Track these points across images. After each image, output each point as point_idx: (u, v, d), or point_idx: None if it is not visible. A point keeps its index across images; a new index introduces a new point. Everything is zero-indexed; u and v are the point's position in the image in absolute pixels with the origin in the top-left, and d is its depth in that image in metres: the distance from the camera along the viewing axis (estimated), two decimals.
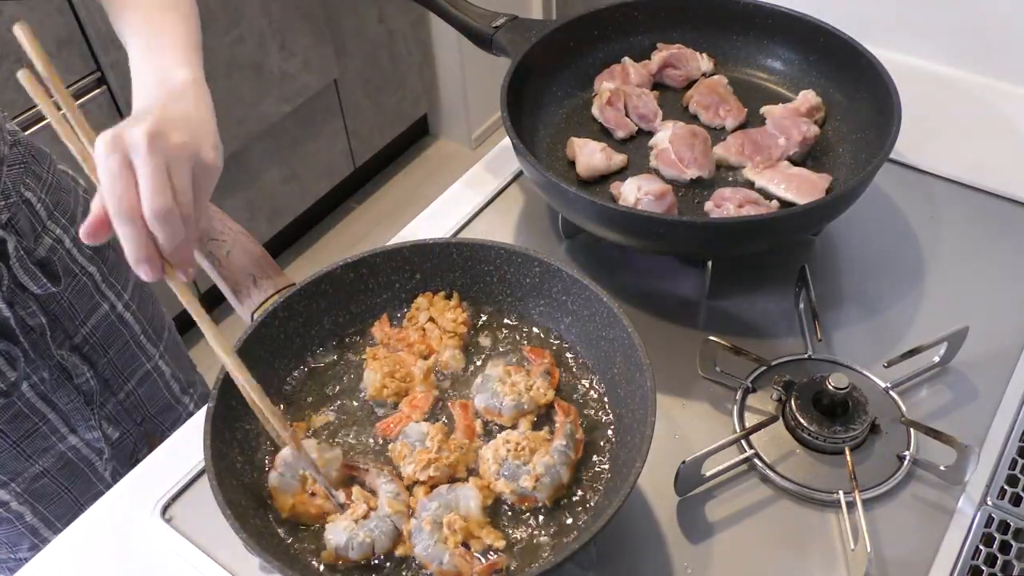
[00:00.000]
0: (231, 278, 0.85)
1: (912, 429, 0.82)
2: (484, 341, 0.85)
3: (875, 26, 1.22)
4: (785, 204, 0.97)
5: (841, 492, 0.78)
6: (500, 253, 0.85)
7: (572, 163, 1.04)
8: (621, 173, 1.03)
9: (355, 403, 0.81)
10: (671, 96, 1.14)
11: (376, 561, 0.70)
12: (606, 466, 0.75)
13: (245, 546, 0.65)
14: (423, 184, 2.91)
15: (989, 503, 0.77)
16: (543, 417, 0.78)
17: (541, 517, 0.72)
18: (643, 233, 0.91)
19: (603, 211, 0.90)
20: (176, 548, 0.78)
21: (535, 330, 0.86)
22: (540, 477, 0.71)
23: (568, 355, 0.84)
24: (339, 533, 0.70)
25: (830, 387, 0.80)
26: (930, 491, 0.79)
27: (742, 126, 1.08)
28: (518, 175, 1.14)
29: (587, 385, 0.81)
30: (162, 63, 0.71)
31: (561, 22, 1.11)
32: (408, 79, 2.78)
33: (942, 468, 0.78)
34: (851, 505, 0.76)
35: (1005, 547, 0.75)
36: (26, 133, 0.97)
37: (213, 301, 2.41)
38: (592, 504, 0.73)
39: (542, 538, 0.71)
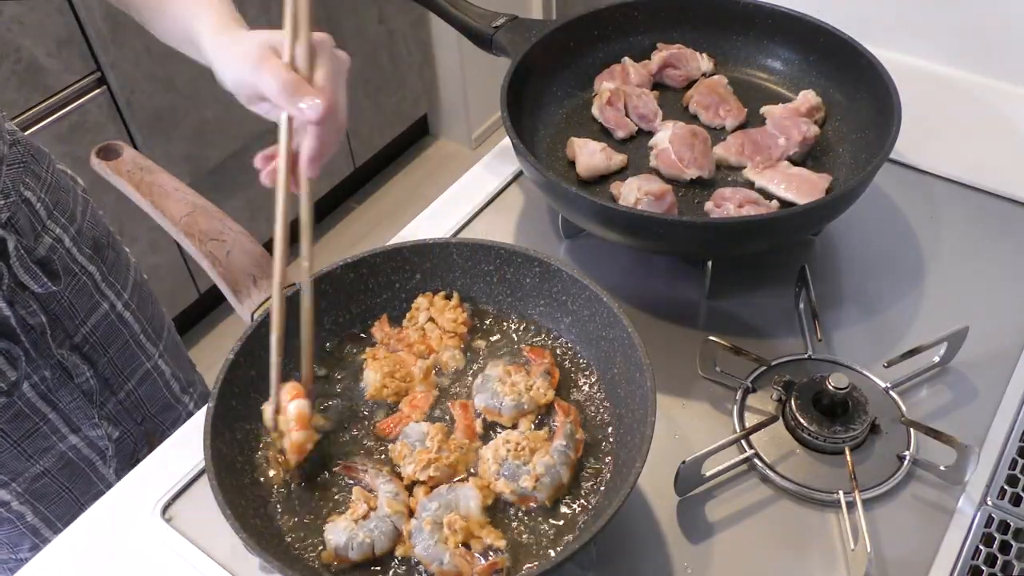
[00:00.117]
0: (231, 278, 0.85)
1: (912, 429, 0.82)
2: (484, 341, 0.86)
3: (875, 26, 1.22)
4: (785, 204, 0.97)
5: (841, 492, 0.78)
6: (500, 253, 0.85)
7: (572, 163, 1.04)
8: (621, 173, 1.03)
9: (355, 403, 0.81)
10: (671, 96, 1.14)
11: (377, 565, 0.70)
12: (606, 466, 0.75)
13: (245, 546, 0.65)
14: (423, 184, 2.91)
15: (989, 503, 0.77)
16: (543, 417, 0.78)
17: (541, 517, 0.72)
18: (643, 233, 0.91)
19: (603, 211, 0.90)
20: (176, 548, 0.78)
21: (535, 330, 0.86)
22: (540, 477, 0.71)
23: (568, 355, 0.84)
24: (339, 533, 0.70)
25: (830, 387, 0.80)
26: (930, 491, 0.79)
27: (742, 126, 1.08)
28: (518, 175, 1.14)
29: (587, 385, 0.81)
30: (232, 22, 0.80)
31: (561, 22, 1.11)
32: (408, 79, 2.77)
33: (942, 468, 0.78)
34: (851, 505, 0.76)
35: (1005, 547, 0.75)
36: (26, 133, 0.97)
37: (213, 301, 2.42)
38: (592, 504, 0.73)
39: (542, 538, 0.71)
